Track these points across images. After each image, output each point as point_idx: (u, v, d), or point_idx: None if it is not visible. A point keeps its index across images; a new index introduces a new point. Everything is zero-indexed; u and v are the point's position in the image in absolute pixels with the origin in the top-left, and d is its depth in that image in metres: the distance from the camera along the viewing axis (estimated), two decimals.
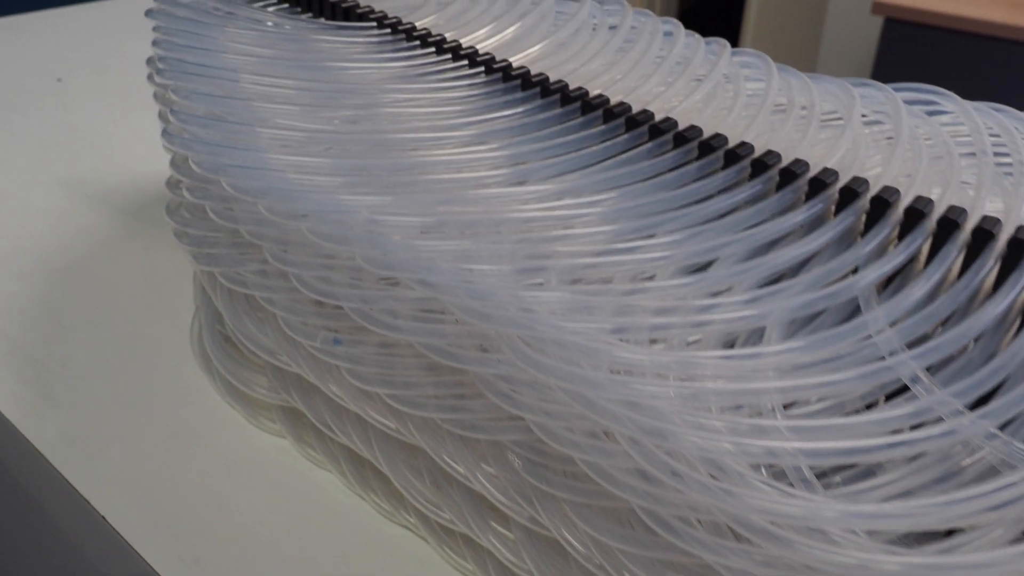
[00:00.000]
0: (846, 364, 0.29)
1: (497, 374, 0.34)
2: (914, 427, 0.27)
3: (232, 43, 0.51)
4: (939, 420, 0.27)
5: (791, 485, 0.28)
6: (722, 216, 0.36)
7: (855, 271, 0.33)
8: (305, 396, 0.49)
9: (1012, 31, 1.68)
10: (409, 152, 0.42)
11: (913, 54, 1.80)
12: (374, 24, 0.53)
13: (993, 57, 1.73)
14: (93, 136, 0.92)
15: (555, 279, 0.33)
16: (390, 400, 0.40)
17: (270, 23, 0.55)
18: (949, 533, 0.28)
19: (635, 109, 0.42)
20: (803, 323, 0.33)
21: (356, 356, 0.41)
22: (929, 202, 0.34)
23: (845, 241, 0.35)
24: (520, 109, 0.44)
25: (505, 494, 0.38)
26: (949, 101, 0.43)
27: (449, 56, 0.49)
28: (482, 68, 0.48)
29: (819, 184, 0.36)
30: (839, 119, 0.42)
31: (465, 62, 0.49)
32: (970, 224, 0.33)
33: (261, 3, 0.58)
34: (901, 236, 0.34)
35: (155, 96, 0.55)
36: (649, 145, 0.40)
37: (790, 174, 0.37)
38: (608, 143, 0.41)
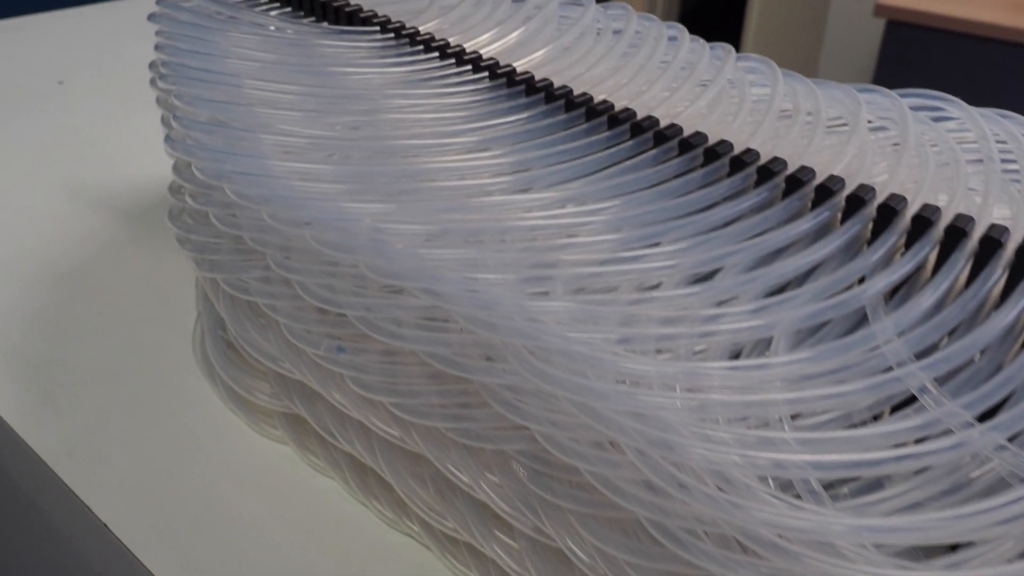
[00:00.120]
0: (854, 375, 0.29)
1: (502, 384, 0.33)
2: (921, 439, 0.27)
3: (235, 48, 0.51)
4: (948, 432, 0.26)
5: (798, 496, 0.28)
6: (728, 224, 0.36)
7: (861, 280, 0.33)
8: (308, 403, 0.48)
9: (1014, 33, 1.68)
10: (412, 159, 0.42)
11: (915, 56, 1.80)
12: (377, 29, 0.53)
13: (995, 59, 1.73)
14: (95, 139, 0.92)
15: (560, 288, 0.33)
16: (394, 409, 0.40)
17: (272, 27, 0.55)
18: (954, 547, 0.27)
19: (640, 115, 0.42)
20: (809, 332, 0.33)
21: (360, 364, 0.41)
22: (936, 210, 0.34)
23: (851, 249, 0.34)
24: (524, 115, 0.44)
25: (509, 503, 0.38)
26: (955, 107, 0.43)
27: (452, 61, 0.49)
28: (486, 73, 0.48)
29: (825, 191, 0.36)
30: (844, 125, 0.42)
31: (469, 67, 0.48)
32: (978, 232, 0.33)
33: (263, 7, 0.58)
34: (908, 244, 0.34)
35: (158, 101, 0.55)
36: (654, 152, 0.40)
37: (796, 181, 0.36)
38: (613, 149, 0.41)
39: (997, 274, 0.31)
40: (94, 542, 0.49)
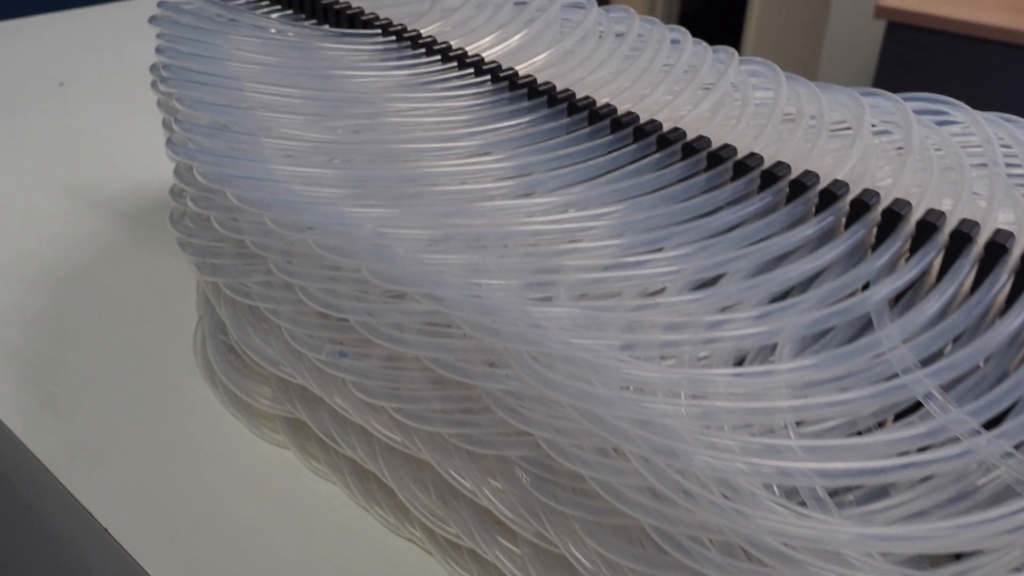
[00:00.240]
0: (859, 382, 0.28)
1: (505, 389, 0.33)
2: (927, 447, 0.27)
3: (236, 51, 0.51)
4: (955, 440, 0.26)
5: (803, 503, 0.28)
6: (731, 229, 0.36)
7: (866, 285, 0.32)
8: (309, 408, 0.48)
9: (1015, 35, 1.67)
10: (414, 163, 0.42)
11: (915, 59, 1.80)
12: (379, 32, 0.53)
13: (996, 61, 1.73)
14: (96, 141, 0.91)
15: (564, 294, 0.33)
16: (396, 414, 0.40)
17: (273, 30, 0.55)
18: (958, 555, 0.27)
19: (643, 119, 0.42)
20: (813, 339, 0.33)
21: (362, 369, 0.41)
22: (941, 215, 0.33)
23: (856, 255, 0.34)
24: (527, 119, 0.44)
25: (512, 509, 0.38)
26: (959, 111, 0.43)
27: (455, 64, 0.49)
28: (488, 77, 0.48)
29: (830, 196, 0.35)
30: (847, 129, 0.42)
31: (471, 71, 0.48)
32: (983, 237, 0.32)
33: (264, 10, 0.58)
34: (913, 250, 0.33)
35: (159, 104, 0.55)
36: (657, 156, 0.40)
37: (800, 186, 0.36)
38: (616, 154, 0.41)
39: (1002, 280, 0.31)
40: (94, 546, 0.49)
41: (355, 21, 0.55)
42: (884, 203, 0.34)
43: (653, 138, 0.41)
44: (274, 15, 0.57)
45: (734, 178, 0.38)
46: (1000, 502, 0.26)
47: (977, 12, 1.73)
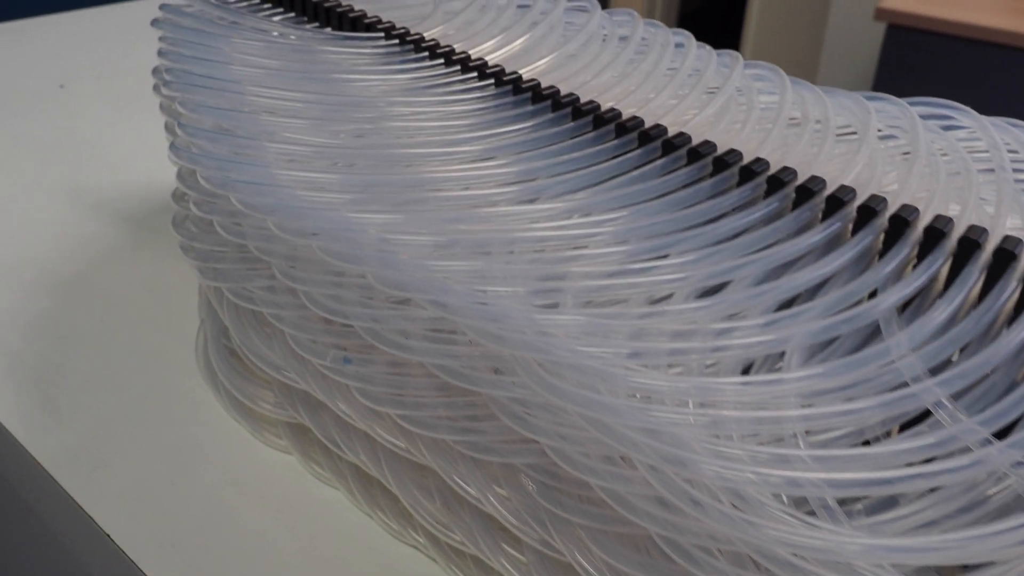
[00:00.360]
0: (868, 391, 0.28)
1: (511, 397, 0.33)
2: (937, 456, 0.27)
3: (239, 54, 0.50)
4: (966, 450, 0.26)
5: (812, 512, 0.27)
6: (737, 235, 0.36)
7: (873, 293, 0.32)
8: (312, 413, 0.48)
9: (1015, 37, 1.67)
10: (418, 167, 0.42)
11: (915, 61, 1.80)
12: (382, 35, 0.53)
13: (996, 64, 1.72)
14: (97, 143, 0.91)
15: (571, 301, 0.33)
16: (401, 420, 0.40)
17: (276, 33, 0.55)
18: (966, 566, 0.27)
19: (648, 123, 0.42)
20: (820, 346, 0.32)
21: (366, 375, 0.41)
22: (949, 221, 0.33)
23: (863, 261, 0.34)
24: (531, 123, 0.44)
25: (518, 517, 0.38)
26: (965, 116, 0.42)
27: (458, 68, 0.49)
28: (491, 80, 0.47)
29: (836, 202, 0.35)
30: (852, 133, 0.41)
31: (474, 74, 0.48)
32: (991, 244, 0.32)
33: (266, 12, 0.58)
34: (920, 256, 0.33)
35: (161, 107, 0.55)
36: (662, 161, 0.40)
37: (807, 191, 0.36)
38: (620, 159, 0.40)
39: (1012, 287, 0.31)
40: (95, 551, 0.48)
41: (358, 24, 0.55)
42: (891, 209, 0.34)
43: (658, 143, 0.41)
44: (276, 18, 0.57)
45: (740, 183, 0.38)
46: (1010, 513, 0.26)
47: (977, 14, 1.73)
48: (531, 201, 0.39)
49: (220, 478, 0.51)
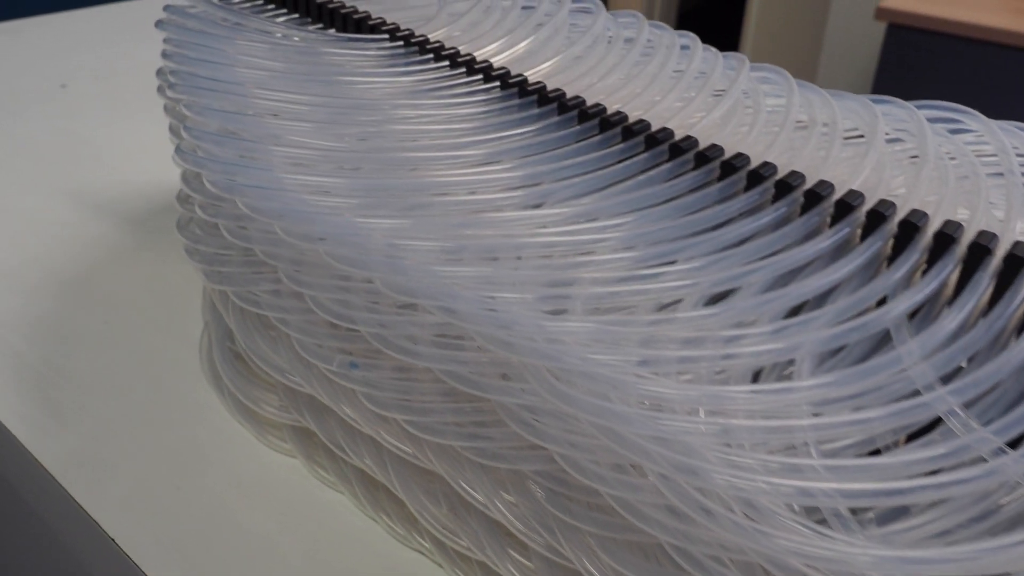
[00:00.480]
0: (879, 400, 0.28)
1: (520, 403, 0.33)
2: (951, 466, 0.27)
3: (244, 56, 0.50)
4: (980, 459, 0.26)
5: (824, 520, 0.27)
6: (745, 241, 0.36)
7: (883, 299, 0.32)
8: (318, 417, 0.48)
9: (1016, 37, 1.67)
10: (425, 171, 0.42)
11: (916, 60, 1.80)
12: (386, 36, 0.53)
13: (997, 63, 1.72)
14: (99, 143, 0.91)
15: (580, 308, 0.32)
16: (407, 426, 0.40)
17: (279, 34, 0.55)
18: None
19: (654, 126, 0.41)
20: (828, 354, 0.32)
21: (373, 380, 0.41)
22: (959, 226, 0.33)
23: (872, 267, 0.34)
24: (537, 126, 0.44)
25: (525, 523, 0.37)
26: (972, 119, 0.42)
27: (463, 70, 0.49)
28: (497, 83, 0.47)
29: (845, 207, 0.35)
30: (859, 137, 0.41)
31: (480, 77, 0.48)
32: (1001, 250, 0.32)
33: (270, 14, 0.57)
34: (930, 262, 0.33)
35: (166, 109, 0.55)
36: (669, 165, 0.40)
37: (815, 196, 0.36)
38: (627, 162, 0.40)
39: (1023, 294, 0.31)
40: (100, 555, 0.48)
41: (362, 26, 0.54)
42: (901, 214, 0.34)
43: (665, 147, 0.40)
44: (279, 19, 0.57)
45: (748, 188, 0.38)
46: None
47: (979, 14, 1.73)
48: (538, 205, 0.39)
49: (224, 481, 0.51)
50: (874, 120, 0.41)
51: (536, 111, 0.45)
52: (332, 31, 0.55)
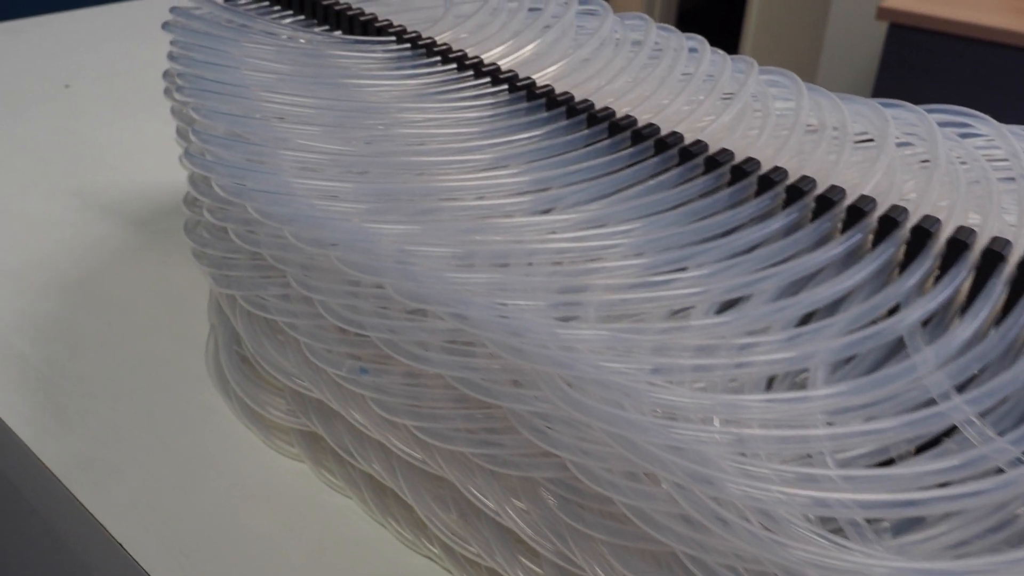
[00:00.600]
0: (894, 409, 0.28)
1: (532, 411, 0.33)
2: (966, 477, 0.26)
3: (250, 59, 0.50)
4: (995, 469, 0.26)
5: (839, 530, 0.27)
6: (756, 247, 0.35)
7: (896, 307, 0.32)
8: (326, 422, 0.48)
9: (1017, 37, 1.67)
10: (432, 176, 0.41)
11: (917, 60, 1.79)
12: (393, 39, 0.53)
13: (998, 63, 1.72)
14: (103, 144, 0.91)
15: (592, 315, 0.32)
16: (417, 432, 0.39)
17: (285, 36, 0.54)
18: None
19: (664, 130, 0.41)
20: (841, 362, 0.32)
21: (382, 386, 0.41)
22: (972, 232, 0.33)
23: (884, 274, 0.34)
24: (545, 130, 0.43)
25: (536, 530, 0.37)
26: (982, 123, 0.42)
27: (471, 73, 0.49)
28: (505, 86, 0.47)
29: (857, 213, 0.35)
30: (869, 140, 0.41)
31: (487, 79, 0.48)
32: (1015, 257, 0.32)
33: (276, 15, 0.57)
34: (943, 269, 0.33)
35: (173, 111, 0.54)
36: (679, 170, 0.40)
37: (827, 202, 0.36)
38: (637, 167, 0.40)
39: None
40: (106, 559, 0.48)
41: (368, 28, 0.54)
42: (913, 220, 0.34)
43: (675, 151, 0.40)
44: (285, 21, 0.57)
45: (758, 193, 0.38)
46: None
47: (980, 14, 1.73)
48: (547, 211, 0.39)
49: (230, 485, 0.51)
50: (884, 124, 0.41)
51: (544, 115, 0.45)
52: (338, 33, 0.55)
